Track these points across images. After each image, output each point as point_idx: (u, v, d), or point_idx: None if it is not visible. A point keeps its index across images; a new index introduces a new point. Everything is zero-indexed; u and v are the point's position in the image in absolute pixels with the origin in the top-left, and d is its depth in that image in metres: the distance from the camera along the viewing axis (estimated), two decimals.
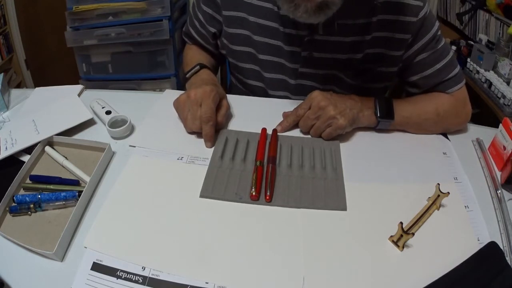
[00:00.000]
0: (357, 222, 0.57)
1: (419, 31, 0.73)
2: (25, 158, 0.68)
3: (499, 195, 0.61)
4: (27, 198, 0.59)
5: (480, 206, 0.60)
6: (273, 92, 0.85)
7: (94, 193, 0.61)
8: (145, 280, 0.49)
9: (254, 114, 0.77)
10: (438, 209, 0.58)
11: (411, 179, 0.64)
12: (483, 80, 1.55)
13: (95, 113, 0.78)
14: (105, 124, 0.73)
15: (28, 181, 0.64)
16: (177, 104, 0.72)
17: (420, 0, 0.71)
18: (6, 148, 0.69)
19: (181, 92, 0.73)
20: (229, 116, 0.77)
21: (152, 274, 0.50)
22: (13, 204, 0.59)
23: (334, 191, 0.61)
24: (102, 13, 1.73)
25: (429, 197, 0.59)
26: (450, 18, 1.93)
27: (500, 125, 0.68)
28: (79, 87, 0.87)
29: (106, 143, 0.67)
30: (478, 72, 1.58)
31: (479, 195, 0.62)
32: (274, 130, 0.71)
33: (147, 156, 0.68)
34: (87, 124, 0.75)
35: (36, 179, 0.64)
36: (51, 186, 0.62)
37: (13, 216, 0.58)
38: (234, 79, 0.95)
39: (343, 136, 0.71)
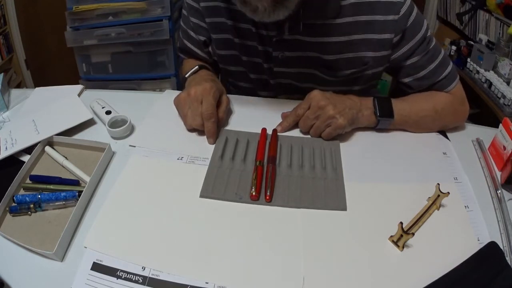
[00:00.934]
0: (357, 222, 0.57)
1: (406, 31, 0.71)
2: (25, 158, 0.68)
3: (499, 195, 0.61)
4: (27, 198, 0.59)
5: (480, 206, 0.60)
6: (260, 92, 0.87)
7: (94, 193, 0.61)
8: (145, 280, 0.49)
9: (254, 114, 0.77)
10: (438, 209, 0.58)
11: (411, 179, 0.64)
12: (483, 80, 1.55)
13: (95, 113, 0.78)
14: (105, 124, 0.73)
15: (28, 181, 0.64)
16: (177, 102, 0.72)
17: None
18: (6, 148, 0.69)
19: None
20: (229, 115, 0.77)
21: (152, 274, 0.50)
22: (13, 204, 0.59)
23: (334, 191, 0.61)
24: (102, 13, 1.73)
25: (429, 197, 0.59)
26: (450, 18, 1.93)
27: (500, 125, 0.68)
28: (79, 87, 0.87)
29: (106, 143, 0.67)
30: (478, 72, 1.58)
31: (479, 195, 0.62)
32: (274, 130, 0.71)
33: (147, 156, 0.68)
34: (87, 124, 0.75)
35: (36, 179, 0.64)
36: (51, 186, 0.62)
37: (13, 216, 0.58)
38: (227, 83, 0.96)
39: (343, 136, 0.71)
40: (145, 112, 0.78)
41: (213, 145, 0.69)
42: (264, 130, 0.71)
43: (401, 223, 0.52)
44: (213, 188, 0.61)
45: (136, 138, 0.72)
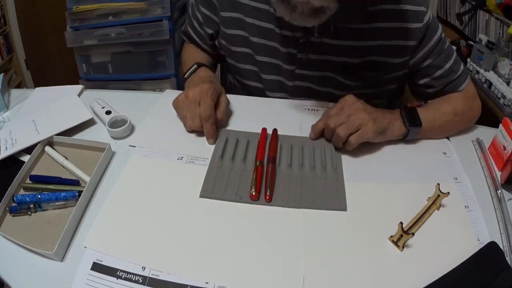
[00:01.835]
0: (357, 222, 0.57)
1: (424, 36, 0.73)
2: (25, 158, 0.68)
3: (499, 195, 0.61)
4: (27, 198, 0.59)
5: (480, 206, 0.60)
6: (270, 93, 0.85)
7: (94, 193, 0.61)
8: (145, 280, 0.49)
9: (254, 114, 0.77)
10: (438, 209, 0.58)
11: (411, 179, 0.64)
12: (483, 80, 1.55)
13: (95, 113, 0.78)
14: (105, 124, 0.73)
15: (28, 181, 0.64)
16: (176, 104, 0.72)
17: (423, 5, 0.71)
18: (6, 148, 0.69)
19: (181, 92, 0.73)
20: (229, 116, 0.77)
21: (152, 274, 0.50)
22: (13, 204, 0.59)
23: (334, 191, 0.61)
24: (102, 13, 1.73)
25: (429, 197, 0.59)
26: (450, 18, 1.92)
27: (500, 125, 0.68)
28: (79, 87, 0.87)
29: (106, 143, 0.67)
30: (478, 72, 1.58)
31: (479, 195, 0.62)
32: (274, 130, 0.71)
33: (147, 156, 0.68)
34: (87, 124, 0.75)
35: (36, 179, 0.64)
36: (51, 186, 0.62)
37: (13, 216, 0.58)
38: (233, 79, 0.95)
39: None
40: (145, 112, 0.78)
41: (213, 145, 0.69)
42: (264, 130, 0.71)
43: (401, 223, 0.52)
44: (213, 188, 0.61)
45: (136, 138, 0.72)
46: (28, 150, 0.68)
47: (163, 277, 0.50)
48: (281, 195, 0.60)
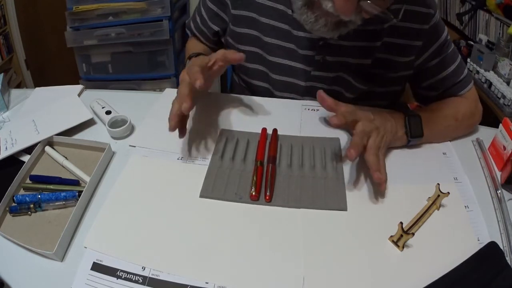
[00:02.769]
0: (357, 222, 0.57)
1: (430, 37, 0.73)
2: (25, 158, 0.68)
3: (499, 195, 0.61)
4: (27, 198, 0.59)
5: (480, 206, 0.60)
6: (279, 93, 0.84)
7: (94, 193, 0.61)
8: (145, 280, 0.49)
9: (254, 114, 0.77)
10: (438, 209, 0.58)
11: (411, 179, 0.64)
12: (483, 80, 1.55)
13: (95, 113, 0.78)
14: (105, 124, 0.73)
15: (28, 181, 0.64)
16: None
17: (432, 7, 0.71)
18: (6, 148, 0.69)
19: None
20: (229, 115, 0.76)
21: (152, 274, 0.50)
22: (13, 204, 0.59)
23: (334, 191, 0.61)
24: (102, 13, 1.73)
25: (429, 197, 0.59)
26: (450, 18, 1.92)
27: (500, 125, 0.68)
28: (79, 87, 0.87)
29: (106, 143, 0.67)
30: (478, 72, 1.58)
31: (479, 195, 0.62)
32: (274, 130, 0.71)
33: (147, 156, 0.68)
34: (87, 124, 0.75)
35: (36, 179, 0.64)
36: (51, 186, 0.62)
37: (13, 216, 0.58)
38: (237, 78, 0.94)
39: (344, 135, 0.71)
40: (145, 112, 0.77)
41: (213, 145, 0.69)
42: (264, 130, 0.71)
43: (401, 223, 0.52)
44: (213, 188, 0.61)
45: (136, 138, 0.72)
46: (28, 150, 0.68)
47: (163, 277, 0.50)
48: (281, 195, 0.60)
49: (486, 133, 0.75)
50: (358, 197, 0.60)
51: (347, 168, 0.65)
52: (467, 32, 1.78)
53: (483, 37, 1.62)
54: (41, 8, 2.00)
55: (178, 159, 0.67)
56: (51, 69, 2.15)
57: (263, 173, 0.62)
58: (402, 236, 0.52)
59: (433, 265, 0.51)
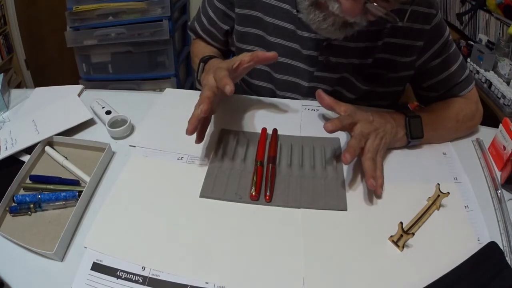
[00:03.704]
0: (357, 222, 0.57)
1: (432, 37, 0.73)
2: (25, 158, 0.68)
3: (499, 195, 0.61)
4: (27, 198, 0.59)
5: (480, 206, 0.60)
6: (282, 93, 0.84)
7: (94, 193, 0.61)
8: (145, 280, 0.49)
9: (254, 114, 0.77)
10: (438, 209, 0.58)
11: (411, 179, 0.64)
12: (483, 80, 1.55)
13: (95, 113, 0.78)
14: (105, 124, 0.73)
15: (28, 181, 0.64)
16: None
17: (434, 8, 0.71)
18: (6, 148, 0.69)
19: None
20: (229, 115, 0.76)
21: (152, 274, 0.50)
22: (13, 204, 0.59)
23: (334, 190, 0.61)
24: (102, 13, 1.73)
25: (429, 197, 0.59)
26: (450, 18, 1.92)
27: (500, 125, 0.68)
28: (79, 87, 0.87)
29: (106, 143, 0.67)
30: (478, 72, 1.58)
31: (479, 195, 0.62)
32: (274, 130, 0.71)
33: (147, 156, 0.68)
34: (87, 124, 0.75)
35: (36, 179, 0.64)
36: (51, 186, 0.62)
37: (13, 216, 0.58)
38: (239, 80, 0.94)
39: (343, 135, 0.71)
40: (145, 112, 0.77)
41: (213, 145, 0.69)
42: (264, 130, 0.71)
43: (401, 223, 0.52)
44: (213, 188, 0.61)
45: (136, 138, 0.72)
46: (28, 150, 0.68)
47: (163, 277, 0.50)
48: (281, 195, 0.60)
49: (486, 133, 0.75)
50: (358, 197, 0.60)
51: (347, 168, 0.65)
52: (467, 32, 1.78)
53: (483, 37, 1.62)
54: (41, 8, 2.00)
55: (178, 159, 0.67)
56: (51, 69, 2.15)
57: (263, 173, 0.62)
58: (402, 236, 0.52)
59: (433, 265, 0.51)
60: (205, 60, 0.76)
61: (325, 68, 0.77)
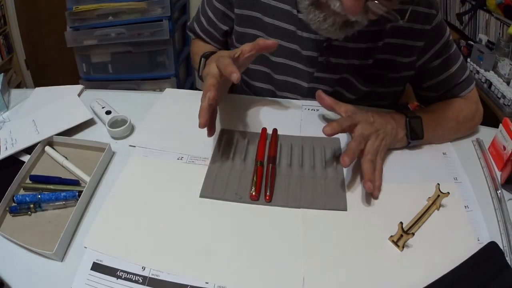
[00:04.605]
0: (357, 222, 0.57)
1: (432, 38, 0.73)
2: (25, 158, 0.68)
3: (499, 195, 0.61)
4: (27, 198, 0.59)
5: (480, 206, 0.60)
6: (282, 94, 0.84)
7: (94, 193, 0.61)
8: (145, 280, 0.49)
9: (254, 114, 0.77)
10: (438, 209, 0.58)
11: (411, 179, 0.64)
12: (483, 80, 1.55)
13: (95, 113, 0.78)
14: (105, 124, 0.73)
15: (28, 181, 0.64)
16: None
17: (434, 8, 0.71)
18: (6, 148, 0.69)
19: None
20: (229, 115, 0.76)
21: (152, 274, 0.50)
22: (13, 204, 0.59)
23: (334, 191, 0.61)
24: (102, 13, 1.73)
25: (429, 197, 0.59)
26: (450, 18, 1.92)
27: (500, 125, 0.68)
28: (79, 87, 0.87)
29: (106, 143, 0.67)
30: (478, 72, 1.58)
31: (479, 195, 0.62)
32: (274, 130, 0.71)
33: (147, 156, 0.68)
34: (87, 124, 0.75)
35: (36, 179, 0.64)
36: (51, 186, 0.62)
37: (13, 216, 0.58)
38: (240, 82, 0.94)
39: (344, 135, 0.71)
40: (145, 112, 0.77)
41: (213, 145, 0.69)
42: (264, 130, 0.71)
43: (401, 223, 0.52)
44: (213, 188, 0.61)
45: (136, 138, 0.72)
46: (28, 150, 0.68)
47: (163, 277, 0.50)
48: (281, 195, 0.60)
49: (486, 133, 0.75)
50: (358, 197, 0.60)
51: (347, 168, 0.65)
52: (467, 32, 1.78)
53: (483, 37, 1.62)
54: (41, 8, 2.00)
55: (178, 159, 0.67)
56: (51, 69, 2.15)
57: (263, 173, 0.62)
58: (402, 236, 0.52)
59: (433, 265, 0.51)
60: (206, 55, 0.76)
61: (325, 69, 0.77)
